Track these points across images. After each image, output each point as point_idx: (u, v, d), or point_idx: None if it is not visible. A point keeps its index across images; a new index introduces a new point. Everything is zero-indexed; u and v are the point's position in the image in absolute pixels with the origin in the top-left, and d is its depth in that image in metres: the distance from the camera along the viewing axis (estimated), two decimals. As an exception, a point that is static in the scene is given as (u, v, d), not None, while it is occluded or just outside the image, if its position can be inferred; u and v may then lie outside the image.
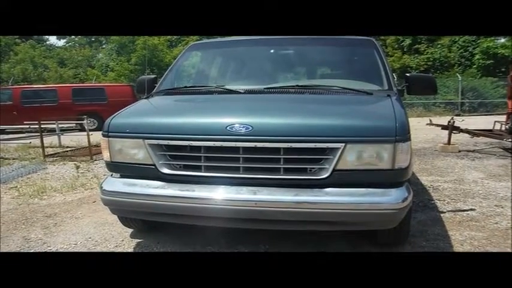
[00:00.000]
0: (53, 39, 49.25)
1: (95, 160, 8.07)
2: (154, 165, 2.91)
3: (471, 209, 4.44)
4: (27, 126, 12.84)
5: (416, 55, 26.07)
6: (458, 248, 3.39)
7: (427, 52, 25.80)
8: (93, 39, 42.13)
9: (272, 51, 4.20)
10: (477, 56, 24.66)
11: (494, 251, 3.03)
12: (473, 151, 8.44)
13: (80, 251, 3.52)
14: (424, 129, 10.43)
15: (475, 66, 24.82)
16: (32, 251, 3.56)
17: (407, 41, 26.12)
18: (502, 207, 4.48)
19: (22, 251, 3.57)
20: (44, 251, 3.55)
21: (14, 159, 8.46)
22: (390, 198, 2.67)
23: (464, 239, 3.57)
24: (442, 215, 4.28)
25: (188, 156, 2.89)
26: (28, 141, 10.13)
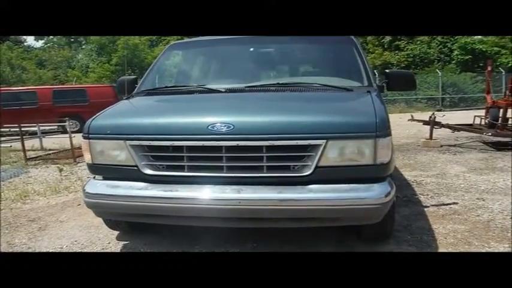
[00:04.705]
0: (31, 40, 48.21)
1: (79, 162, 7.95)
2: (136, 166, 2.88)
3: (454, 203, 4.51)
4: (8, 129, 12.63)
5: (396, 52, 26.30)
6: (442, 241, 3.44)
7: (407, 48, 26.05)
8: (72, 39, 40.80)
9: (252, 49, 4.18)
10: (456, 52, 25.00)
11: (494, 251, 3.06)
12: (454, 145, 8.57)
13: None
14: (406, 125, 10.53)
15: (454, 61, 25.15)
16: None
17: (388, 38, 26.31)
18: (484, 200, 4.55)
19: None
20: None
21: (-6, 163, 8.32)
22: (373, 194, 2.70)
23: (447, 232, 3.62)
24: (425, 209, 4.33)
25: (171, 157, 2.88)
26: (9, 144, 9.96)
